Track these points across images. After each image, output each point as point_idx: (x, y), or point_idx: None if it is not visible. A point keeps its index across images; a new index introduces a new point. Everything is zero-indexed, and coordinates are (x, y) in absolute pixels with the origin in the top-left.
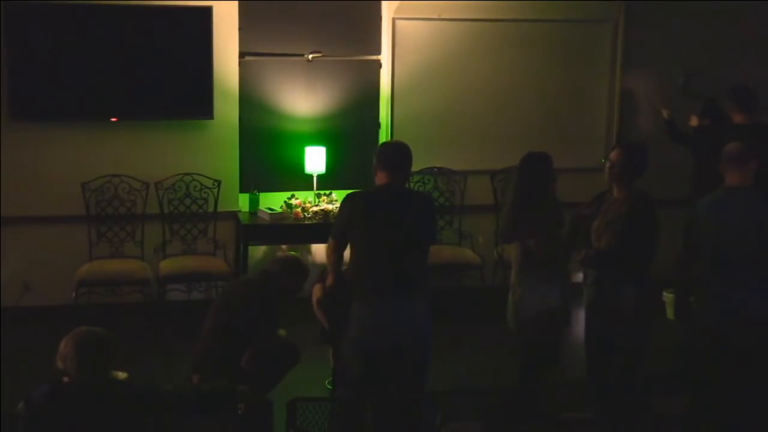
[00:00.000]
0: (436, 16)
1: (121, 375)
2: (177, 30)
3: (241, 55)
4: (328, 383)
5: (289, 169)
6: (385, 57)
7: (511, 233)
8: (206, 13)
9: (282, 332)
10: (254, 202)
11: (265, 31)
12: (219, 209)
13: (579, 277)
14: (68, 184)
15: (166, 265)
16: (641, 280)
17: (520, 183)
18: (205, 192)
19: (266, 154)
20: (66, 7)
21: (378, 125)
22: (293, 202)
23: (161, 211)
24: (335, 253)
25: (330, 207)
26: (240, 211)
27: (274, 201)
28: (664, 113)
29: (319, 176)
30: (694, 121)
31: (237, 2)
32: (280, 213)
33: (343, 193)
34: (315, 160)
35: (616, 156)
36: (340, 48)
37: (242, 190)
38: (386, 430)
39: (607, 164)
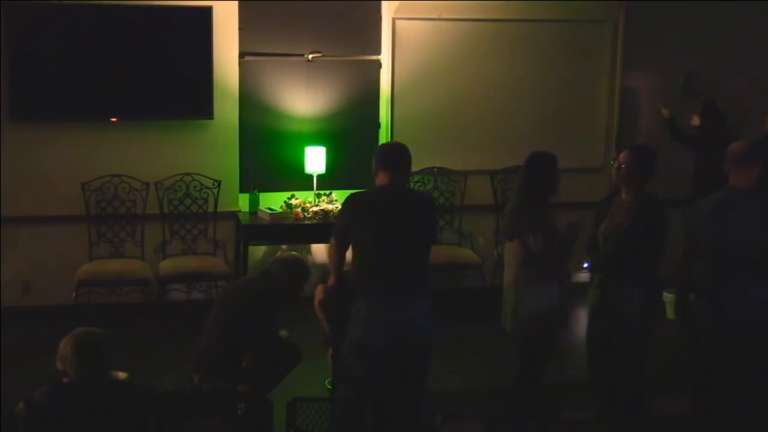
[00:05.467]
0: (436, 16)
1: (121, 375)
2: (177, 30)
3: (241, 55)
4: (328, 383)
5: (289, 169)
6: (385, 57)
7: (512, 230)
8: (206, 13)
9: (283, 333)
10: (254, 202)
11: (265, 31)
12: (219, 209)
13: (584, 277)
14: (68, 184)
15: (166, 265)
16: (648, 282)
17: (524, 181)
18: (205, 192)
19: (266, 154)
20: (66, 7)
21: (378, 125)
22: (293, 202)
23: (161, 211)
24: (337, 253)
25: (330, 207)
26: (240, 211)
27: (274, 201)
28: (664, 112)
29: (319, 176)
30: (695, 121)
31: (237, 2)
32: (280, 213)
33: (343, 193)
34: (315, 160)
35: (625, 158)
36: (340, 48)
37: (242, 190)
38: (386, 430)
39: (615, 165)
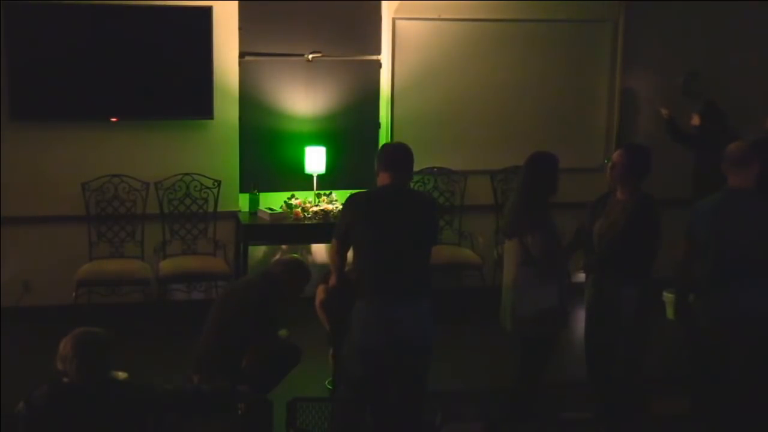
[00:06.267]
0: (436, 16)
1: (121, 375)
2: (177, 30)
3: (241, 55)
4: (328, 383)
5: (289, 169)
6: (385, 57)
7: (511, 230)
8: (206, 13)
9: (283, 333)
10: (254, 202)
11: (265, 31)
12: (219, 209)
13: (580, 277)
14: (68, 184)
15: (166, 265)
16: (642, 281)
17: (525, 181)
18: (205, 192)
19: (266, 154)
20: (66, 7)
21: (378, 125)
22: (293, 202)
23: (161, 211)
24: (338, 254)
25: (330, 207)
26: (240, 211)
27: (274, 201)
28: (664, 112)
29: (319, 176)
30: (695, 121)
31: (237, 2)
32: (280, 213)
33: (343, 193)
34: (315, 160)
35: (619, 157)
36: (340, 48)
37: (242, 190)
38: (386, 430)
39: (609, 165)
